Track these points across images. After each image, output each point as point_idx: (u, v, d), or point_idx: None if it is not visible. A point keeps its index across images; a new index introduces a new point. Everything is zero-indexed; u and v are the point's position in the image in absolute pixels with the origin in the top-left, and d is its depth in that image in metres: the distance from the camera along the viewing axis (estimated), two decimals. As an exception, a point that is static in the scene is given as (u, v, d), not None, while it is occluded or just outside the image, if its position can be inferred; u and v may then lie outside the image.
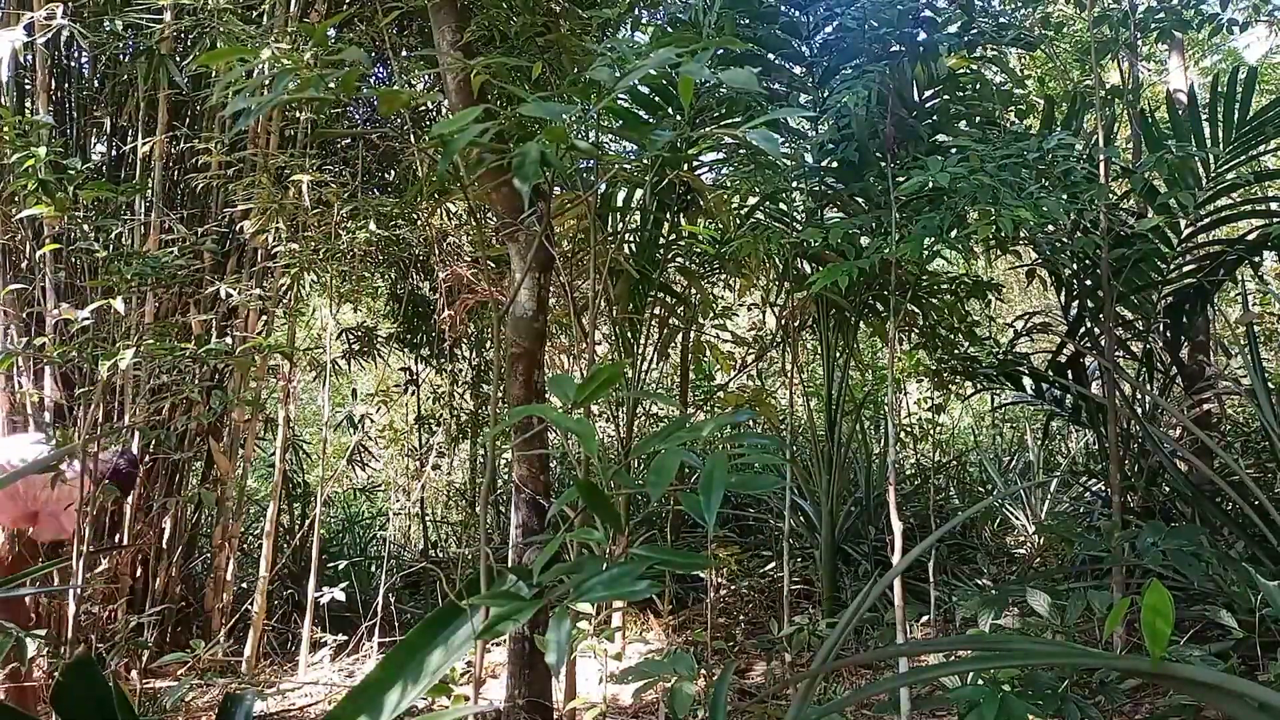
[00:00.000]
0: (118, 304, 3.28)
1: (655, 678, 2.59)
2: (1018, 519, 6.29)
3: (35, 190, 3.19)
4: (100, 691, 1.18)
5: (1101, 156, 3.77)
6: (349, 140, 5.03)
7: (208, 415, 4.26)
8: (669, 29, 4.32)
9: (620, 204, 5.08)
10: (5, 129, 3.23)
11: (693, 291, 5.07)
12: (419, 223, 4.55)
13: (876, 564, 5.21)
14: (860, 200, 4.26)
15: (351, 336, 6.05)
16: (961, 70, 4.12)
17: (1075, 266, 4.46)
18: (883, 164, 3.80)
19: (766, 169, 4.33)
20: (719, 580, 5.60)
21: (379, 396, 6.22)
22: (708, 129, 3.77)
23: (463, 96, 2.67)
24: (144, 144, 4.26)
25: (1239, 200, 4.72)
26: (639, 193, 4.79)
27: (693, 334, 5.26)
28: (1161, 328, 4.63)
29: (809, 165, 4.40)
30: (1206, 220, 4.54)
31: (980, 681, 2.05)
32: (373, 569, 5.97)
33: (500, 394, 2.94)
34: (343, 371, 6.18)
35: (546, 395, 2.95)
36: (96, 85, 4.78)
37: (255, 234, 4.13)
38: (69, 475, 3.26)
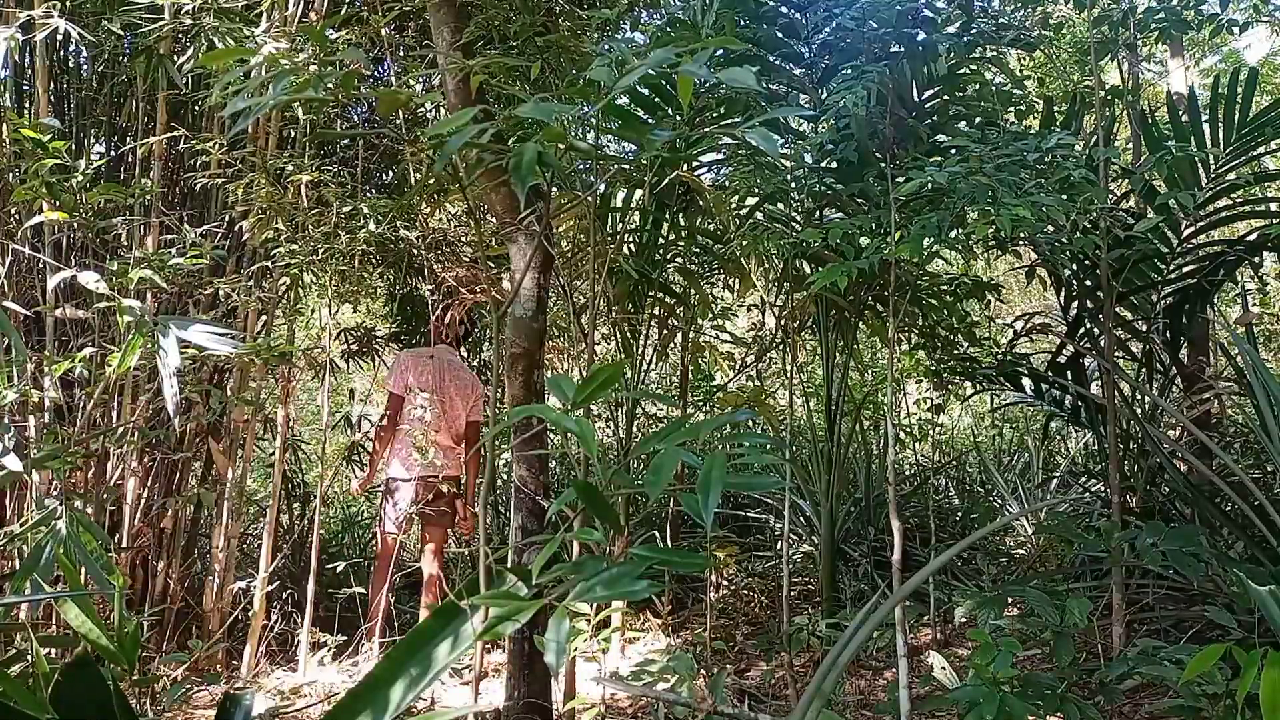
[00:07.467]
0: (125, 303, 3.27)
1: (655, 678, 2.59)
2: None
3: (41, 194, 3.18)
4: (100, 691, 1.18)
5: (1101, 157, 3.77)
6: (348, 140, 5.02)
7: (208, 415, 4.26)
8: (668, 29, 4.32)
9: (619, 204, 5.08)
10: (5, 131, 3.23)
11: (692, 292, 5.07)
12: (418, 223, 4.55)
13: (876, 564, 5.20)
14: (860, 200, 4.26)
15: (351, 336, 6.04)
16: (961, 71, 4.12)
17: (1075, 267, 4.45)
18: (882, 164, 3.80)
19: (766, 169, 4.33)
20: (719, 580, 5.60)
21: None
22: (707, 129, 3.77)
23: (461, 96, 2.67)
24: (143, 144, 4.26)
25: (1239, 201, 4.72)
26: (638, 193, 4.79)
27: (692, 334, 5.26)
28: (1161, 328, 4.63)
29: (808, 165, 4.40)
30: (1206, 221, 4.53)
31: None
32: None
33: (500, 394, 2.94)
34: (342, 371, 6.18)
35: (546, 395, 2.95)
36: (95, 85, 4.77)
37: (255, 234, 4.13)
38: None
